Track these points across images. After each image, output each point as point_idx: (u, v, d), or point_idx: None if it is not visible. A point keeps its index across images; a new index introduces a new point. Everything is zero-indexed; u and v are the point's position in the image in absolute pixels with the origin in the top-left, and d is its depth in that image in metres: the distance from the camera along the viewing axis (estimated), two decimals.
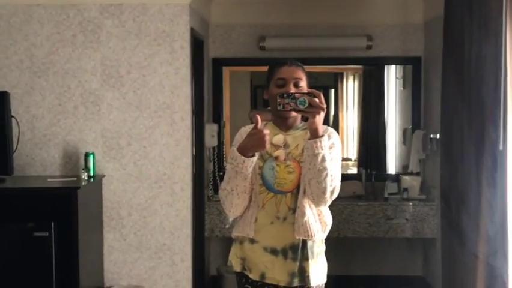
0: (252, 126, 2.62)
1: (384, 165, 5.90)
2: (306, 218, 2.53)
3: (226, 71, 5.72)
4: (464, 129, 3.55)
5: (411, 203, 5.19)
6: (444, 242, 3.93)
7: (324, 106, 2.39)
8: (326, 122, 2.54)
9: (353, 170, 5.97)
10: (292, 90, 2.54)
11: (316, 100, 2.38)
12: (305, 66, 2.68)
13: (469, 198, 3.41)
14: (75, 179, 4.09)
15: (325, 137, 2.43)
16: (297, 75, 2.60)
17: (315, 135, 2.42)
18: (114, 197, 4.33)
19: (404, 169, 5.68)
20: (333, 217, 4.99)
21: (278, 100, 2.41)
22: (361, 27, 5.50)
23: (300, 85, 2.58)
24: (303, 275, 2.59)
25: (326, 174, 2.44)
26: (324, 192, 2.46)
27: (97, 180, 4.23)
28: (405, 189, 5.34)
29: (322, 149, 2.41)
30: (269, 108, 2.68)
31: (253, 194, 2.60)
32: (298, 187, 2.56)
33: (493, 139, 3.10)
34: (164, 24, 4.30)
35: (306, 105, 2.37)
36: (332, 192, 2.49)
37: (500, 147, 3.05)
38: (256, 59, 5.40)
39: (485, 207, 3.19)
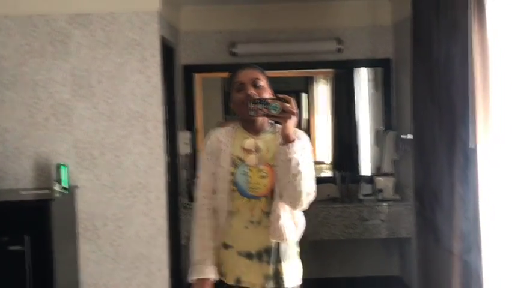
0: (221, 129, 2.65)
1: (357, 167, 5.93)
2: (281, 222, 2.54)
3: (197, 78, 5.72)
4: (435, 129, 3.60)
5: (385, 204, 5.23)
6: (419, 240, 3.97)
7: (296, 111, 2.41)
8: (298, 126, 2.56)
9: (327, 173, 6.00)
10: (251, 90, 2.56)
11: (288, 105, 2.40)
12: (276, 71, 2.72)
13: (442, 196, 3.45)
14: (48, 191, 4.06)
15: (297, 141, 2.45)
16: (253, 75, 2.62)
17: (287, 140, 2.43)
18: (89, 208, 4.29)
19: (378, 170, 5.72)
20: (309, 220, 5.00)
21: (250, 105, 2.41)
22: (330, 31, 5.54)
23: (259, 84, 2.60)
24: (277, 277, 2.60)
25: (301, 178, 2.45)
26: (300, 195, 2.48)
27: (70, 192, 4.19)
28: (380, 190, 5.38)
29: (295, 153, 2.43)
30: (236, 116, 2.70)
31: (221, 204, 2.61)
32: (272, 191, 2.57)
33: (464, 137, 3.14)
34: (134, 32, 4.28)
35: (279, 110, 2.38)
36: (308, 194, 2.51)
37: (471, 145, 3.09)
38: (227, 65, 5.39)
39: (459, 204, 3.23)
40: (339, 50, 5.55)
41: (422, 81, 3.81)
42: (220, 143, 2.65)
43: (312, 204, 2.64)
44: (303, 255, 2.74)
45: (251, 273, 2.60)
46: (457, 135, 3.25)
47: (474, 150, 3.05)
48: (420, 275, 3.94)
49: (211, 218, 2.66)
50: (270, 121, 2.65)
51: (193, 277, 2.61)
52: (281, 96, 2.43)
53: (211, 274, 2.60)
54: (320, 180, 5.44)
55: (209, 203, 2.66)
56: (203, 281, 2.60)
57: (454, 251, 3.29)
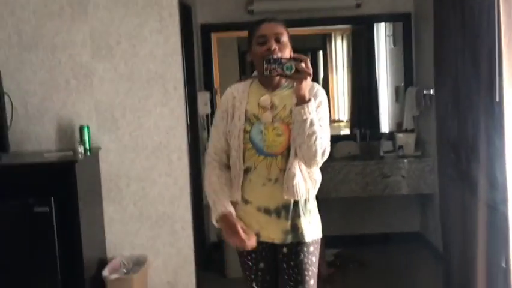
0: (237, 85, 2.64)
1: (378, 124, 5.92)
2: (295, 181, 2.55)
3: (213, 37, 5.68)
4: (459, 82, 3.56)
5: (406, 160, 5.23)
6: (442, 194, 3.95)
7: (311, 71, 2.38)
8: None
9: (346, 131, 5.99)
10: (274, 45, 2.53)
11: (303, 65, 2.37)
12: (294, 29, 2.67)
13: (471, 149, 3.42)
14: (71, 153, 4.07)
15: (312, 101, 2.43)
16: (277, 30, 2.58)
17: (302, 100, 2.41)
18: (112, 169, 4.32)
19: (398, 127, 5.71)
20: (329, 178, 5.04)
21: (264, 65, 2.39)
22: None
23: (282, 39, 2.56)
24: (296, 232, 2.63)
25: (316, 138, 2.45)
26: (315, 155, 2.48)
27: (93, 153, 4.21)
28: (400, 147, 5.37)
29: (310, 114, 2.42)
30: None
31: (236, 162, 2.61)
32: (288, 149, 2.56)
33: (490, 90, 3.10)
34: None
35: (293, 70, 2.36)
36: (322, 154, 2.52)
37: (497, 99, 3.06)
38: (245, 24, 5.35)
39: (485, 157, 3.21)
40: (357, 6, 5.48)
41: (445, 33, 3.75)
42: (234, 100, 2.64)
43: (333, 162, 2.65)
44: (325, 213, 2.75)
45: (270, 228, 2.63)
46: (482, 88, 3.21)
47: (500, 103, 3.02)
48: (445, 228, 3.93)
49: (222, 173, 2.67)
50: None
51: (215, 218, 2.63)
52: (296, 56, 2.40)
53: (228, 207, 2.60)
54: (339, 138, 5.59)
55: (219, 160, 2.67)
56: (225, 217, 2.60)
57: (480, 203, 3.28)
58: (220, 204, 2.61)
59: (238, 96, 2.64)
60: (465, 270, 3.58)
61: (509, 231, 3.06)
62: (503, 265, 3.14)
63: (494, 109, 3.07)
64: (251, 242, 2.59)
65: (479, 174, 3.33)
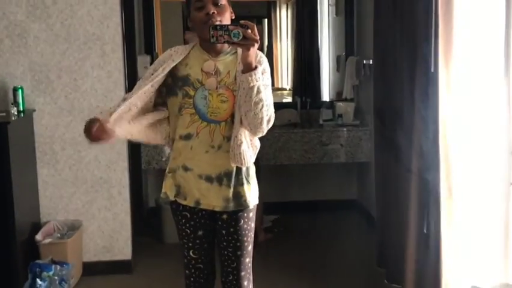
0: (178, 47, 2.58)
1: (318, 93, 5.95)
2: (243, 147, 2.53)
3: (156, 1, 5.58)
4: (396, 52, 3.60)
5: (345, 129, 5.28)
6: (377, 162, 4.02)
7: (258, 38, 2.35)
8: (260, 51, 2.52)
9: (288, 99, 6.01)
10: (212, 9, 2.48)
11: (250, 32, 2.34)
12: None
13: (402, 117, 3.49)
14: (4, 114, 3.96)
15: (259, 68, 2.41)
16: None
17: (249, 68, 2.38)
18: (46, 132, 4.22)
19: (338, 96, 5.76)
20: (269, 145, 5.05)
21: (211, 32, 2.34)
22: None
23: (220, 3, 2.51)
24: (239, 199, 2.63)
25: (262, 105, 2.43)
26: (261, 122, 2.47)
27: (27, 115, 4.11)
28: (340, 116, 5.42)
29: (257, 81, 2.39)
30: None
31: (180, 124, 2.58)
32: (232, 116, 2.55)
33: (426, 60, 3.15)
34: None
35: (240, 37, 2.32)
36: (268, 121, 2.50)
37: (432, 69, 3.11)
38: None
39: (419, 124, 3.27)
40: None
41: (385, 5, 3.78)
42: (173, 61, 2.58)
43: (273, 130, 2.63)
44: (264, 180, 2.76)
45: (211, 196, 2.61)
46: (418, 59, 3.25)
47: (435, 73, 3.07)
48: (379, 195, 4.01)
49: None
50: None
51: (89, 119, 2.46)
52: (243, 22, 2.35)
53: (103, 115, 2.45)
54: (280, 106, 5.60)
55: (136, 109, 2.54)
56: (100, 121, 2.42)
57: (412, 170, 3.35)
58: (106, 113, 2.47)
59: (175, 59, 2.59)
60: (397, 236, 3.67)
61: (430, 199, 3.14)
62: (425, 231, 3.23)
63: (429, 79, 3.12)
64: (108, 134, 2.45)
65: (404, 143, 3.40)
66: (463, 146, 3.05)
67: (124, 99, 2.55)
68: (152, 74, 2.55)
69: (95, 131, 2.39)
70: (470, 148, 3.06)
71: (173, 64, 2.55)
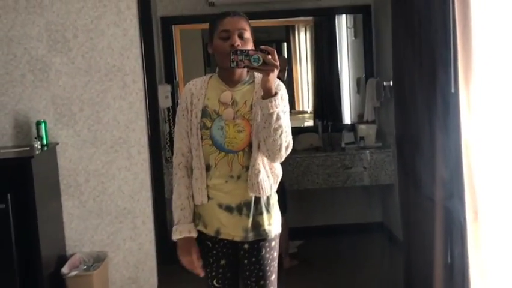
0: (196, 80, 2.61)
1: (339, 116, 5.94)
2: (261, 177, 2.53)
3: (176, 29, 5.64)
4: (415, 74, 3.58)
5: (368, 151, 5.26)
6: (400, 188, 3.99)
7: (278, 63, 2.36)
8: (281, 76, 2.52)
9: (309, 123, 6.00)
10: (237, 41, 2.50)
11: (270, 57, 2.34)
12: (256, 21, 2.64)
13: (423, 143, 3.45)
14: (28, 148, 4.01)
15: (278, 94, 2.41)
16: (240, 25, 2.54)
17: (269, 94, 2.39)
18: (70, 164, 4.26)
19: (360, 118, 5.74)
20: (292, 170, 5.04)
21: (231, 57, 2.36)
22: None
23: (245, 36, 2.53)
24: (258, 229, 2.61)
25: (282, 132, 2.43)
26: (280, 149, 2.46)
27: (50, 148, 4.15)
28: (362, 138, 5.39)
29: (277, 107, 2.39)
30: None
31: (196, 161, 2.59)
32: (249, 145, 2.54)
33: (444, 82, 3.12)
34: None
35: (260, 62, 2.33)
36: (287, 148, 2.50)
37: (452, 90, 3.08)
38: (206, 16, 5.31)
39: (439, 151, 3.23)
40: None
41: (402, 26, 3.77)
42: (192, 96, 2.60)
43: (295, 154, 2.63)
44: (288, 205, 2.75)
45: (230, 226, 2.60)
46: (438, 80, 3.23)
47: (455, 95, 3.04)
48: (404, 221, 3.97)
49: (190, 180, 2.65)
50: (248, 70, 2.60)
51: (176, 236, 2.63)
52: (263, 47, 2.36)
53: (193, 232, 2.62)
54: (302, 130, 5.59)
55: (186, 160, 2.65)
56: (186, 239, 2.62)
57: (434, 197, 3.31)
58: (185, 227, 2.62)
59: (196, 93, 2.61)
60: (423, 263, 3.62)
61: (453, 227, 3.10)
62: (448, 261, 3.18)
63: (449, 101, 3.09)
64: (200, 271, 2.67)
65: (426, 168, 3.36)
66: (487, 168, 3.01)
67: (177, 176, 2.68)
68: (183, 115, 2.61)
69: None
70: (495, 170, 3.01)
71: (200, 101, 2.58)
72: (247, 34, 2.55)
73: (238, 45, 2.49)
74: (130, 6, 4.22)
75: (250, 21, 2.63)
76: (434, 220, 3.33)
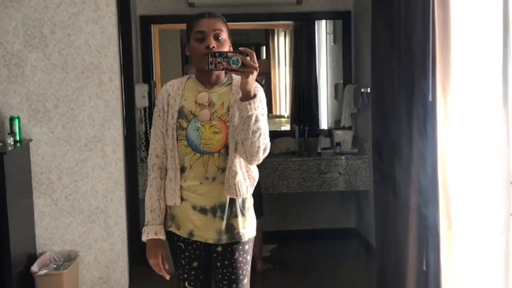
0: (173, 81, 2.60)
1: (317, 121, 5.95)
2: (237, 179, 2.52)
3: (155, 29, 5.59)
4: (394, 81, 3.59)
5: (343, 157, 5.26)
6: (376, 194, 3.99)
7: (257, 65, 2.35)
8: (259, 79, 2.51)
9: (286, 127, 5.99)
10: (213, 43, 2.49)
11: (249, 59, 2.33)
12: (235, 23, 2.62)
13: (400, 150, 3.46)
14: (0, 144, 3.95)
15: (257, 97, 2.39)
16: (216, 26, 2.53)
17: (248, 96, 2.37)
18: (43, 162, 4.20)
19: (337, 124, 5.75)
20: (267, 174, 5.02)
21: (210, 59, 2.34)
22: None
23: (221, 37, 2.52)
24: (232, 232, 2.60)
25: (260, 134, 2.43)
26: (258, 151, 2.46)
27: (23, 145, 4.09)
28: (338, 144, 5.40)
29: (255, 110, 2.38)
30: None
31: (171, 162, 2.57)
32: (225, 146, 2.53)
33: (423, 90, 3.13)
34: None
35: (239, 64, 2.31)
36: (264, 150, 2.50)
37: (430, 99, 3.09)
38: (185, 16, 5.27)
39: (417, 158, 3.25)
40: (298, 2, 5.48)
41: (382, 33, 3.78)
42: (169, 97, 2.59)
43: (271, 158, 2.62)
44: (263, 209, 2.73)
45: (204, 228, 2.59)
46: (416, 88, 3.24)
47: (433, 103, 3.05)
48: (378, 227, 3.98)
49: (163, 182, 2.64)
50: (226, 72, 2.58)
51: (144, 238, 2.63)
52: (242, 49, 2.35)
53: (159, 234, 2.61)
54: (279, 134, 5.58)
55: (160, 162, 2.63)
56: (154, 241, 2.62)
57: (411, 204, 3.32)
58: (152, 229, 2.62)
59: (172, 94, 2.59)
60: (396, 269, 3.63)
61: (429, 234, 3.11)
62: (424, 268, 3.19)
63: (427, 109, 3.10)
64: (165, 273, 2.68)
65: (402, 175, 3.38)
66: (462, 177, 3.02)
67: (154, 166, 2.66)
68: (159, 116, 2.61)
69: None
70: (470, 179, 3.03)
71: (177, 102, 2.56)
72: (224, 35, 2.54)
73: (213, 47, 2.48)
74: (109, 4, 4.17)
75: (229, 23, 2.61)
76: (409, 226, 3.34)
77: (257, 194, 2.72)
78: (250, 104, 2.37)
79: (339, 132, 5.50)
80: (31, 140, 4.17)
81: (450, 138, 3.02)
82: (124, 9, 4.63)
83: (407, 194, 3.35)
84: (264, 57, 6.07)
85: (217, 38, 2.52)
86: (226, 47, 2.53)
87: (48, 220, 4.25)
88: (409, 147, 3.33)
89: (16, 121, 4.01)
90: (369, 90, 4.87)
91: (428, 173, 3.08)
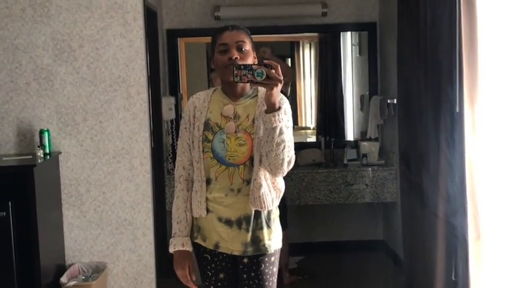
0: (200, 94, 2.62)
1: (343, 132, 5.95)
2: (262, 191, 2.52)
3: (181, 42, 5.66)
4: (421, 92, 3.58)
5: (370, 169, 5.24)
6: (404, 204, 3.97)
7: (282, 78, 2.36)
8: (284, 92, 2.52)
9: (312, 138, 5.99)
10: (235, 55, 2.51)
11: (274, 72, 2.34)
12: (261, 36, 2.64)
13: (429, 159, 3.44)
14: (31, 156, 4.01)
15: (282, 109, 2.40)
16: (239, 38, 2.55)
17: (272, 108, 2.38)
18: (72, 174, 4.25)
19: (363, 135, 5.73)
20: (293, 185, 5.02)
21: (235, 72, 2.35)
22: None
23: (244, 48, 2.54)
24: (258, 244, 2.60)
25: (284, 146, 2.43)
26: (282, 163, 2.46)
27: (53, 158, 4.14)
28: (364, 155, 5.38)
29: (280, 122, 2.39)
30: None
31: (197, 174, 2.59)
32: (250, 158, 2.54)
33: (450, 100, 3.12)
34: None
35: (264, 77, 2.32)
36: (289, 163, 2.50)
37: (457, 109, 3.08)
38: (211, 30, 5.30)
39: (445, 168, 3.23)
40: (323, 14, 5.50)
41: (408, 44, 3.78)
42: (195, 109, 2.61)
43: (297, 169, 2.62)
44: (289, 221, 2.73)
45: (229, 240, 2.60)
46: (443, 99, 3.23)
47: (461, 114, 3.04)
48: (406, 238, 3.95)
49: (189, 194, 2.66)
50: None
51: (171, 249, 2.65)
52: (267, 62, 2.35)
53: (186, 246, 2.63)
54: (305, 146, 5.59)
55: (187, 173, 2.65)
56: (181, 252, 2.64)
57: (439, 214, 3.30)
58: (179, 240, 2.64)
59: (198, 106, 2.62)
60: (424, 280, 3.60)
61: (458, 244, 3.08)
62: (453, 278, 3.16)
63: (454, 120, 3.09)
64: (192, 285, 2.69)
65: (430, 186, 3.35)
66: (491, 187, 3.00)
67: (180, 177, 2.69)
68: (186, 128, 2.63)
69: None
70: (498, 189, 3.01)
71: (203, 114, 2.59)
72: (247, 46, 2.55)
73: (236, 58, 2.49)
74: (136, 18, 4.22)
75: (255, 36, 2.63)
76: (437, 236, 3.31)
77: (282, 205, 2.72)
78: (274, 116, 2.38)
79: (365, 143, 5.49)
80: (60, 153, 4.22)
81: (478, 148, 3.00)
82: (151, 23, 4.70)
83: (435, 204, 3.33)
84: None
85: (240, 49, 2.53)
86: (250, 59, 2.55)
87: (77, 232, 4.29)
88: (437, 157, 3.31)
89: (46, 134, 4.06)
90: (395, 101, 4.86)
91: (456, 183, 3.06)
